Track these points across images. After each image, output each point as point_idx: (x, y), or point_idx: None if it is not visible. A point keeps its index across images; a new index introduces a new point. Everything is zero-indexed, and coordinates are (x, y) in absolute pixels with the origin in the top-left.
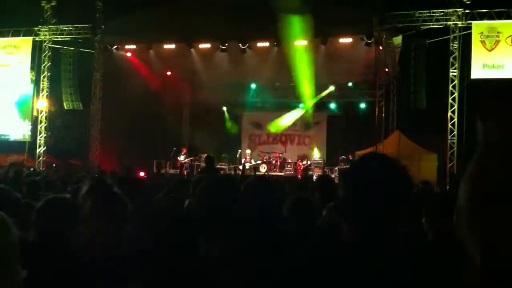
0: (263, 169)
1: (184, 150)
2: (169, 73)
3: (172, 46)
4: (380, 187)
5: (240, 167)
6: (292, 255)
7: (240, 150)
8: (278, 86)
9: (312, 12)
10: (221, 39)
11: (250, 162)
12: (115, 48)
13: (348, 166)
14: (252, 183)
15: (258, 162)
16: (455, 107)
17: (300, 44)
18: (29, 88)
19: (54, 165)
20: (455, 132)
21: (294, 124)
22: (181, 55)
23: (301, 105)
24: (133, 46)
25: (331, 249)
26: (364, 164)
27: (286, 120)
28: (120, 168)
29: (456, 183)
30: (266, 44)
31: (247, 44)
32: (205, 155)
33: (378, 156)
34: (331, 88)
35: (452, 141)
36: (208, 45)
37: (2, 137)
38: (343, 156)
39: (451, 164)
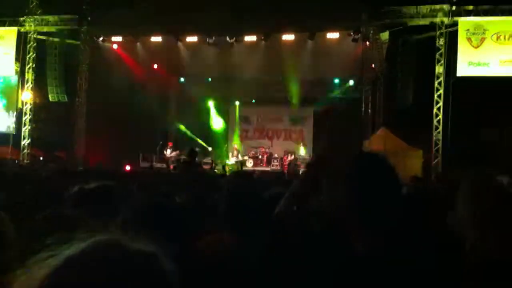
0: (249, 164)
1: (170, 144)
2: (155, 66)
3: (159, 38)
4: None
5: (227, 161)
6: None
7: (226, 145)
8: (266, 80)
9: (299, 7)
10: (209, 33)
11: (237, 157)
12: (101, 40)
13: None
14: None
15: (245, 157)
16: (440, 103)
17: (287, 39)
18: (14, 79)
19: (41, 158)
20: (440, 129)
21: (280, 119)
22: (168, 48)
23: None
24: (120, 38)
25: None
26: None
27: None
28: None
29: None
30: (254, 38)
31: (235, 38)
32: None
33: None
34: None
35: (437, 137)
36: (195, 38)
37: None
38: None
39: (436, 161)
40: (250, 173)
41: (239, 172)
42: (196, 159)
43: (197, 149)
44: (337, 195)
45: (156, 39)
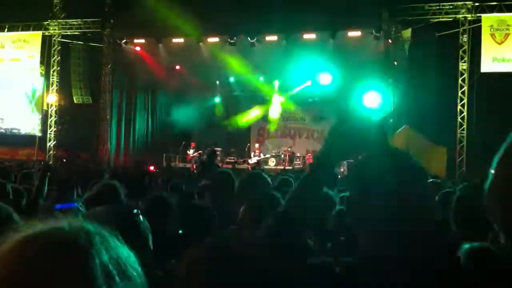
0: (272, 163)
1: (193, 144)
2: (178, 67)
3: (181, 40)
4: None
5: (249, 161)
6: None
7: (249, 144)
8: (288, 79)
9: (320, 6)
10: (230, 33)
11: (259, 156)
12: (124, 43)
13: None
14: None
15: (267, 156)
16: (465, 100)
17: (308, 38)
18: (39, 82)
19: (63, 160)
20: (465, 126)
21: (303, 118)
22: (190, 49)
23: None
24: (142, 41)
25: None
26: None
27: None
28: (131, 163)
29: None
30: (275, 38)
31: (256, 38)
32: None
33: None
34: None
35: (461, 134)
36: (216, 39)
37: (13, 131)
38: None
39: (460, 158)
40: (260, 173)
41: (252, 173)
42: (216, 160)
43: (217, 150)
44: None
45: (178, 40)
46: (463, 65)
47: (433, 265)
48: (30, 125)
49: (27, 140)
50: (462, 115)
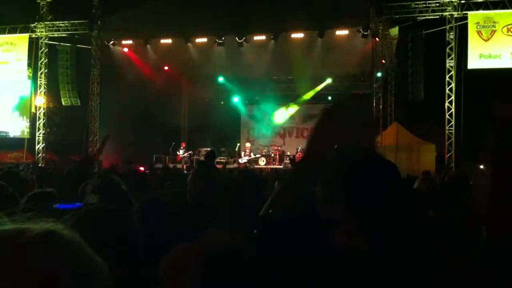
0: (262, 162)
1: (183, 145)
2: (166, 67)
3: (169, 40)
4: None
5: (240, 160)
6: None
7: (238, 144)
8: (276, 79)
9: (307, 5)
10: (218, 33)
11: (250, 156)
12: (112, 44)
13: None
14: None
15: (257, 155)
16: (452, 97)
17: (296, 37)
18: (27, 85)
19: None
20: (453, 122)
21: (292, 117)
22: (178, 50)
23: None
24: (130, 42)
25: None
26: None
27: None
28: (120, 163)
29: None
30: (263, 37)
31: (244, 38)
32: (206, 149)
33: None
34: (328, 80)
35: (450, 131)
36: (204, 39)
37: (2, 134)
38: None
39: (449, 154)
40: (253, 171)
41: (244, 170)
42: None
43: (205, 150)
44: (320, 193)
45: (166, 41)
46: (450, 62)
47: None
48: (18, 128)
49: (16, 143)
50: (450, 111)
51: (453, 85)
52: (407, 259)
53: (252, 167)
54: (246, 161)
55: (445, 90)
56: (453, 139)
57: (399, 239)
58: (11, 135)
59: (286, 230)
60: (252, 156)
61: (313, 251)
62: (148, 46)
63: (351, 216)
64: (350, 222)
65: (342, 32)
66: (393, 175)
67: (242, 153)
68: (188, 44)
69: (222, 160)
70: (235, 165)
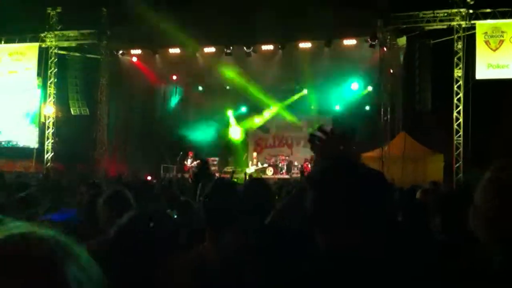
0: (269, 172)
1: (191, 154)
2: (174, 77)
3: (177, 50)
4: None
5: (247, 170)
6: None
7: (246, 154)
8: (284, 89)
9: (315, 15)
10: (226, 43)
11: (257, 166)
12: (120, 54)
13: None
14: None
15: (265, 165)
16: (461, 107)
17: (304, 47)
18: (36, 94)
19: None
20: (461, 132)
21: (300, 126)
22: (186, 59)
23: None
24: (139, 51)
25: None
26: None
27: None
28: (128, 173)
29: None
30: (271, 47)
31: (252, 48)
32: (214, 158)
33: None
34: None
35: (458, 141)
36: (213, 49)
37: (11, 143)
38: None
39: (457, 165)
40: (261, 179)
41: (254, 179)
42: (207, 170)
43: (210, 160)
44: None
45: (174, 51)
46: (458, 72)
47: None
48: (27, 137)
49: (25, 152)
50: (458, 121)
51: (461, 95)
52: (387, 262)
53: (260, 177)
54: (253, 170)
55: (453, 99)
56: (461, 149)
57: (379, 243)
58: (20, 144)
59: (289, 239)
60: (260, 165)
61: (303, 255)
62: (156, 55)
63: (334, 221)
64: (333, 227)
65: (349, 42)
66: (375, 182)
67: (249, 163)
68: (197, 54)
69: (229, 170)
70: (242, 175)
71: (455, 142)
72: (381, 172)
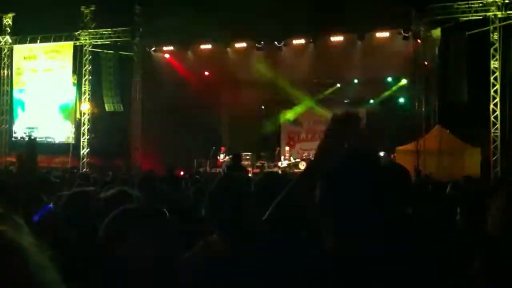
0: (302, 166)
1: (223, 149)
2: (206, 73)
3: (209, 46)
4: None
5: (279, 164)
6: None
7: (278, 148)
8: (316, 82)
9: (347, 8)
10: (257, 38)
11: (289, 160)
12: (153, 50)
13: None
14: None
15: (297, 160)
16: (497, 99)
17: (336, 40)
18: (72, 91)
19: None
20: (498, 125)
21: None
22: (218, 55)
23: None
24: (171, 48)
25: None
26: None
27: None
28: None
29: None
30: (302, 41)
31: (283, 42)
32: (247, 153)
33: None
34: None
35: (495, 134)
36: (244, 44)
37: (48, 139)
38: (384, 153)
39: (494, 158)
40: (274, 173)
41: (266, 174)
42: (239, 164)
43: (243, 154)
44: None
45: (206, 46)
46: (494, 63)
47: None
48: (64, 133)
49: (62, 148)
50: (495, 114)
51: (497, 86)
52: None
53: (291, 171)
54: (286, 165)
55: (489, 92)
56: (498, 142)
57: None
58: (57, 140)
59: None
60: (292, 160)
61: (303, 252)
62: (188, 52)
63: (336, 214)
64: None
65: (382, 34)
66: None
67: (282, 157)
68: (228, 49)
69: (260, 164)
70: (276, 169)
71: (492, 135)
72: (399, 165)
